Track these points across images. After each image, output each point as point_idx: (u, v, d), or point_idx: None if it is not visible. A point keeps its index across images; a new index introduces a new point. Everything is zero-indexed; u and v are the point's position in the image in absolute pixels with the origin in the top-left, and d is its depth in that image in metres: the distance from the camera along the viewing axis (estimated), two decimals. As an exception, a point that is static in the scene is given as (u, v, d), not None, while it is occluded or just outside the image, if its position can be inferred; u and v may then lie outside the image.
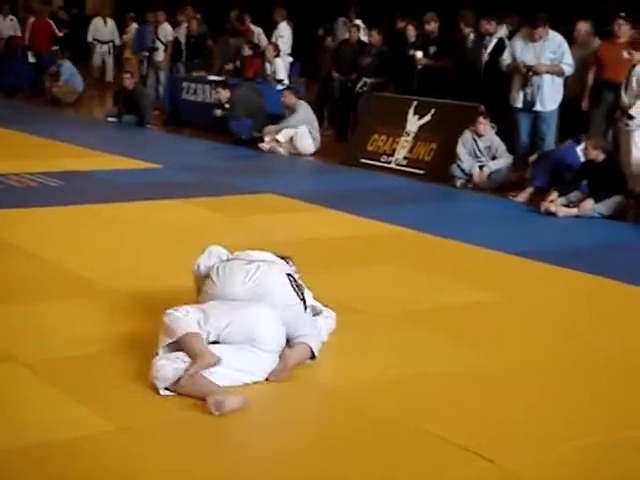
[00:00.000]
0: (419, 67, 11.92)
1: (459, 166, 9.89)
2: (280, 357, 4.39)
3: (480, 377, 4.56)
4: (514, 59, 9.91)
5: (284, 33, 15.03)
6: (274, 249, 4.92)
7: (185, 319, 4.27)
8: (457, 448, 3.77)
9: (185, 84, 14.75)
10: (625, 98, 9.07)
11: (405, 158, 10.93)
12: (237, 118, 12.45)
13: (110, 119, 14.42)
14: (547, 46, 9.79)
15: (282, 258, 4.79)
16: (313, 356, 4.52)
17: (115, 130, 13.99)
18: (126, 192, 8.80)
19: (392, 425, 3.99)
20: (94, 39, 19.00)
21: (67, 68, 16.90)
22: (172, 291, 5.34)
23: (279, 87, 13.47)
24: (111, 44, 19.11)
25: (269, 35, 15.33)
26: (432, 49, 11.93)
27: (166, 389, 4.12)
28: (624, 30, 9.88)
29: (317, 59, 14.90)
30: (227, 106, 12.69)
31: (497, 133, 9.94)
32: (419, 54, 11.96)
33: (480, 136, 9.86)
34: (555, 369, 4.74)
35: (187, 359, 4.16)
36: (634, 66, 9.04)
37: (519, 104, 9.92)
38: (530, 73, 9.77)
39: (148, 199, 8.50)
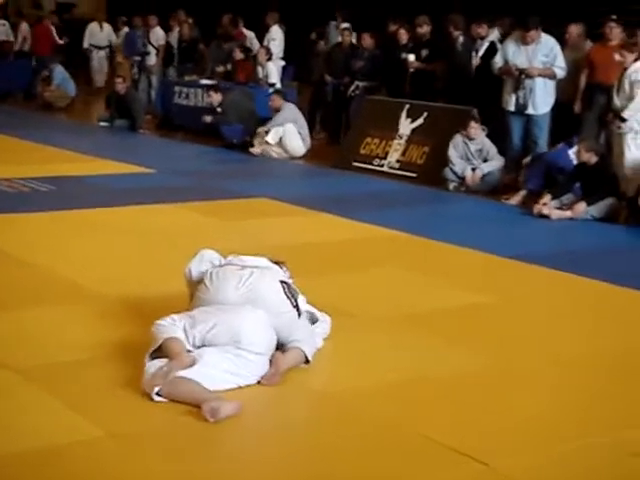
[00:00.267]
0: (411, 70, 11.92)
1: (451, 169, 9.89)
2: (271, 361, 4.36)
3: (475, 380, 4.55)
4: (506, 62, 9.92)
5: (276, 36, 15.03)
6: (267, 253, 4.91)
7: (170, 327, 4.32)
8: (451, 451, 3.76)
9: (177, 88, 14.73)
10: (617, 101, 9.07)
11: (398, 161, 10.92)
12: (228, 123, 12.43)
13: (102, 124, 14.39)
14: (539, 49, 9.80)
15: (276, 263, 4.77)
16: (307, 361, 4.50)
17: (107, 135, 13.96)
18: (118, 197, 8.77)
19: (386, 428, 3.97)
20: (91, 45, 18.90)
21: (59, 73, 16.86)
22: (164, 296, 5.33)
23: (271, 91, 13.45)
24: (108, 49, 19.00)
25: (261, 39, 15.33)
26: (424, 52, 11.94)
27: (158, 395, 4.09)
28: (616, 33, 9.89)
29: (309, 63, 14.89)
30: (219, 110, 12.68)
31: (489, 136, 9.94)
32: (411, 57, 11.95)
33: (471, 139, 9.86)
34: (551, 371, 4.73)
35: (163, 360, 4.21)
36: (625, 69, 9.05)
37: (511, 107, 9.92)
38: (522, 76, 9.77)
39: (140, 204, 8.48)
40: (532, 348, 5.06)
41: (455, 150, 9.92)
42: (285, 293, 4.55)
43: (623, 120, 8.92)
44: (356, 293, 5.91)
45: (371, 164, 11.13)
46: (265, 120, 12.27)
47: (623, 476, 3.69)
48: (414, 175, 10.59)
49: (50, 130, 13.81)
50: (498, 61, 10.02)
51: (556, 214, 8.47)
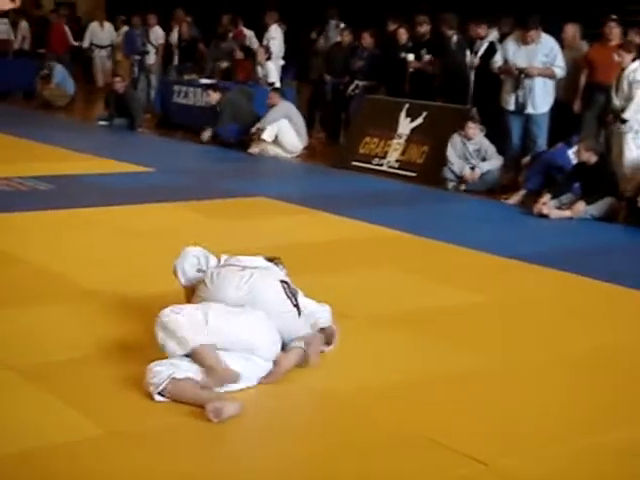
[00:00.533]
0: (411, 70, 11.91)
1: (450, 169, 9.89)
2: (274, 362, 4.38)
3: (476, 380, 4.54)
4: (505, 61, 9.92)
5: (275, 35, 15.01)
6: (266, 253, 4.90)
7: (193, 327, 4.20)
8: (451, 451, 3.76)
9: (176, 87, 14.72)
10: (616, 100, 9.07)
11: (397, 161, 10.92)
12: (222, 124, 12.39)
13: (101, 122, 14.38)
14: (539, 49, 9.81)
15: (271, 260, 4.77)
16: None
17: (106, 133, 13.95)
18: (117, 196, 8.76)
19: (387, 429, 3.96)
20: (92, 44, 18.87)
21: (59, 71, 16.84)
22: (162, 295, 5.30)
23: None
24: (110, 48, 18.95)
25: (260, 38, 15.31)
26: (423, 52, 11.93)
27: (160, 394, 4.08)
28: (615, 33, 9.89)
29: (309, 62, 14.88)
30: (218, 109, 12.66)
31: (487, 136, 9.94)
32: (410, 57, 11.95)
33: (469, 139, 9.86)
34: (552, 371, 4.73)
35: (183, 365, 4.13)
36: (623, 69, 9.05)
37: (511, 107, 9.92)
38: (522, 76, 9.77)
39: (139, 203, 8.47)
40: (533, 348, 5.06)
41: (453, 150, 9.92)
42: (285, 293, 4.55)
43: (624, 121, 8.91)
44: (355, 293, 5.90)
45: (370, 163, 11.12)
46: (263, 119, 12.28)
47: (627, 476, 3.69)
48: (413, 174, 10.58)
49: (49, 129, 13.79)
50: (498, 60, 10.03)
51: (555, 214, 8.46)
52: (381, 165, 11.03)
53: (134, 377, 4.24)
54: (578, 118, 10.00)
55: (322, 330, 4.70)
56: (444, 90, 11.43)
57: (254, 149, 11.91)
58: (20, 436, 3.75)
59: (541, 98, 9.85)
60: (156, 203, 8.49)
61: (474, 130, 9.83)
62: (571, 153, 9.15)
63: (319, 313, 4.77)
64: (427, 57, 11.83)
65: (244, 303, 4.43)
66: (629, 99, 8.92)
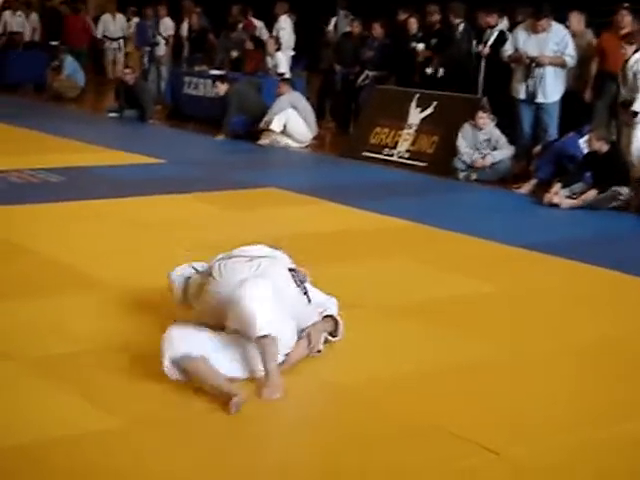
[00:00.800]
0: (421, 60, 11.88)
1: (460, 159, 9.87)
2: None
3: (487, 369, 4.54)
4: (516, 50, 9.88)
5: (285, 26, 15.00)
6: (276, 244, 4.90)
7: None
8: (463, 440, 3.75)
9: (187, 78, 14.72)
10: (623, 91, 9.03)
11: (407, 151, 10.90)
12: (230, 116, 12.36)
13: (111, 114, 14.39)
14: (550, 37, 9.76)
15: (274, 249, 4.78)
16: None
17: (117, 125, 13.96)
18: (127, 187, 8.77)
19: (398, 419, 3.96)
20: (104, 36, 18.87)
21: (70, 63, 16.85)
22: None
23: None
24: (122, 40, 18.94)
25: (270, 29, 15.30)
26: (434, 41, 11.90)
27: (175, 365, 4.10)
28: (627, 21, 9.83)
29: (319, 52, 14.86)
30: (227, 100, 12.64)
31: (498, 125, 9.91)
32: (420, 46, 11.92)
33: (480, 129, 9.83)
34: (563, 360, 4.72)
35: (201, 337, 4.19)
36: (627, 60, 9.01)
37: (522, 95, 9.89)
38: (533, 64, 9.73)
39: (150, 194, 8.48)
40: (544, 337, 5.05)
41: (464, 139, 9.89)
42: (295, 281, 4.55)
43: (636, 114, 8.87)
44: (365, 283, 5.90)
45: (381, 153, 11.10)
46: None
47: (633, 467, 3.67)
48: (424, 164, 10.56)
49: (60, 121, 13.80)
50: (508, 49, 9.99)
51: (566, 203, 8.43)
52: (391, 155, 11.01)
53: (144, 368, 4.25)
54: (589, 107, 9.95)
55: (327, 317, 4.69)
56: (451, 80, 11.39)
57: (264, 140, 11.90)
58: (35, 428, 3.75)
59: (552, 87, 9.81)
60: (167, 195, 8.49)
61: (484, 120, 9.80)
62: (582, 142, 9.11)
63: (327, 303, 4.77)
64: (434, 41, 11.80)
65: None
66: (635, 90, 8.87)
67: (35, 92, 17.68)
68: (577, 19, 10.37)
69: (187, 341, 4.18)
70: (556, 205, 8.43)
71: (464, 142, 9.88)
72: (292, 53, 15.07)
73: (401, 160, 10.86)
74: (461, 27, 11.47)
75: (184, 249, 6.18)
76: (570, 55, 9.78)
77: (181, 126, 13.77)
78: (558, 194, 8.50)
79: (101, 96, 17.42)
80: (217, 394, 4.01)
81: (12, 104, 15.80)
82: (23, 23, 19.15)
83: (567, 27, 10.12)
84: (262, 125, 11.98)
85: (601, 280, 6.26)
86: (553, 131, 9.90)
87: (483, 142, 9.84)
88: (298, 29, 15.29)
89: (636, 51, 9.02)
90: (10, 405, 3.97)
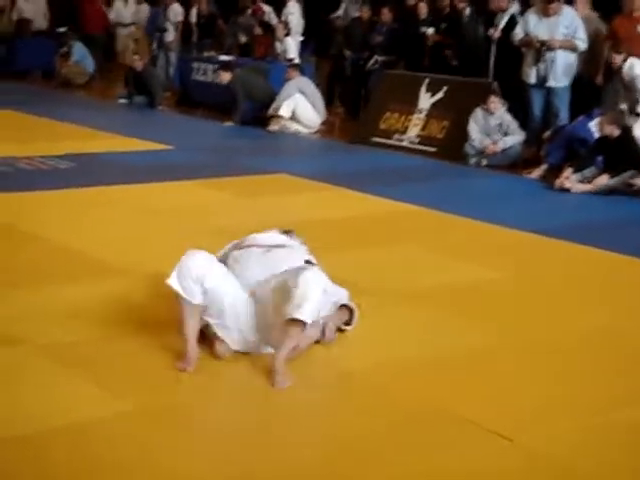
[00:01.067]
0: (430, 44, 11.83)
1: (471, 144, 9.83)
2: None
3: (497, 355, 4.53)
4: (526, 34, 9.83)
5: (294, 11, 14.94)
6: (287, 227, 4.90)
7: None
8: (476, 427, 3.74)
9: (196, 64, 14.69)
10: (622, 104, 9.04)
11: (417, 136, 10.86)
12: (240, 104, 12.31)
13: (121, 100, 14.38)
14: (561, 21, 9.71)
15: (285, 233, 4.76)
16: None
17: (126, 111, 13.95)
18: (137, 174, 8.76)
19: (410, 405, 3.95)
20: (116, 23, 18.81)
21: (78, 49, 16.82)
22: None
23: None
24: (133, 27, 18.86)
25: (279, 14, 15.24)
26: (443, 26, 11.85)
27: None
28: (639, 3, 9.76)
29: (328, 37, 14.81)
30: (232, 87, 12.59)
31: (509, 109, 9.87)
32: (430, 31, 11.87)
33: (491, 114, 9.79)
34: (574, 346, 4.70)
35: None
36: (619, 69, 9.03)
37: (532, 80, 9.84)
38: (544, 48, 9.68)
39: (159, 180, 8.47)
40: (554, 323, 5.03)
41: (475, 124, 9.86)
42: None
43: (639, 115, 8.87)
44: (376, 269, 5.88)
45: (390, 139, 11.07)
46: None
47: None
48: (434, 150, 10.53)
49: (69, 107, 13.80)
50: (518, 33, 9.93)
51: (578, 188, 8.40)
52: (401, 141, 10.97)
53: (157, 355, 4.26)
54: (599, 91, 9.90)
55: (342, 307, 4.68)
56: (460, 64, 11.34)
57: (274, 126, 11.88)
58: (49, 414, 3.74)
59: (563, 71, 9.76)
60: (176, 181, 8.48)
61: (496, 104, 9.76)
62: (592, 125, 9.06)
63: (340, 293, 4.75)
64: (443, 26, 11.74)
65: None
66: (627, 98, 8.89)
67: (44, 79, 17.66)
68: (582, 2, 10.31)
69: (211, 271, 4.25)
70: (567, 190, 8.40)
71: (476, 127, 9.84)
72: (301, 38, 15.01)
73: (411, 145, 10.83)
74: (467, 11, 11.40)
75: (194, 234, 6.17)
76: (581, 39, 9.72)
77: (190, 112, 13.75)
78: (569, 179, 8.47)
79: (111, 83, 17.39)
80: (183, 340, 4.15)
81: (21, 91, 15.79)
82: (35, 9, 19.08)
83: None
84: (271, 111, 11.95)
85: (611, 265, 6.24)
86: (564, 115, 9.85)
87: (495, 127, 9.80)
88: (306, 14, 15.22)
89: (624, 60, 9.08)
90: (19, 391, 3.97)
